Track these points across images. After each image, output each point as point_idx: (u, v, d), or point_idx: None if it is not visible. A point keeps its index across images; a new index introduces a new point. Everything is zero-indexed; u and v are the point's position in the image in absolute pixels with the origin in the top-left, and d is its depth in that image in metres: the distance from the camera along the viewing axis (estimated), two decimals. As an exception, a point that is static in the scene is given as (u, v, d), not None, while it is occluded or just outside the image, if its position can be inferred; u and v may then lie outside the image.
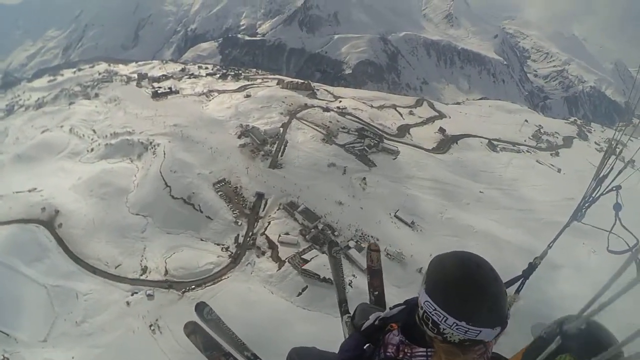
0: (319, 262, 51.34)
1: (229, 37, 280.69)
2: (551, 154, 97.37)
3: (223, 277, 51.48)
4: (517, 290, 3.49)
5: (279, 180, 66.71)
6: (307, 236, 56.87)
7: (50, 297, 48.87)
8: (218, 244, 56.51)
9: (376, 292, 5.25)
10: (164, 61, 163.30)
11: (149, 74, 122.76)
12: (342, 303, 5.19)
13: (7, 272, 50.47)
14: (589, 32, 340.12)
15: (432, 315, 2.20)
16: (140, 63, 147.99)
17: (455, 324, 2.12)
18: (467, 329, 2.10)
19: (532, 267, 3.71)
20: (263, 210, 61.46)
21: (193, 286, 50.34)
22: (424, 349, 2.41)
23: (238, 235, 57.38)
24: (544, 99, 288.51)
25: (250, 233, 57.81)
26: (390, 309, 2.97)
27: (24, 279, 50.28)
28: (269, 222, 59.45)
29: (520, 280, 3.66)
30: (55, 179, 68.61)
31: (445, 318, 2.14)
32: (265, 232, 57.69)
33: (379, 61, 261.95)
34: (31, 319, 46.29)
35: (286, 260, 52.86)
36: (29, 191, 64.82)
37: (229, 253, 54.95)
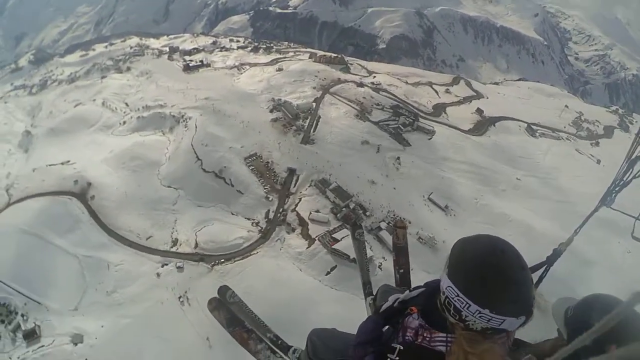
0: (349, 242, 48.64)
1: (260, 10, 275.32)
2: (591, 144, 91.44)
3: (252, 252, 50.55)
4: (540, 278, 3.23)
5: (311, 157, 64.71)
6: (338, 215, 55.02)
7: (81, 267, 49.11)
8: (248, 219, 55.45)
9: (401, 270, 5.21)
10: (195, 34, 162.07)
11: (180, 47, 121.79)
12: (366, 285, 5.16)
13: (39, 243, 51.02)
14: (633, 16, 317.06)
15: (455, 301, 2.15)
16: (171, 36, 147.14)
17: (478, 312, 2.06)
18: (490, 317, 2.05)
19: (556, 254, 3.56)
20: (294, 187, 59.89)
21: (222, 260, 49.73)
22: (444, 335, 2.30)
23: (269, 210, 56.15)
24: (585, 84, 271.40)
25: (281, 209, 56.44)
26: (410, 291, 2.87)
27: (56, 249, 50.67)
28: (300, 199, 57.87)
29: (544, 268, 3.52)
30: (88, 152, 68.80)
31: (468, 305, 2.09)
32: (296, 209, 56.17)
33: (414, 36, 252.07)
34: (63, 288, 46.64)
35: (316, 239, 51.39)
36: (62, 164, 65.16)
37: (259, 228, 53.82)
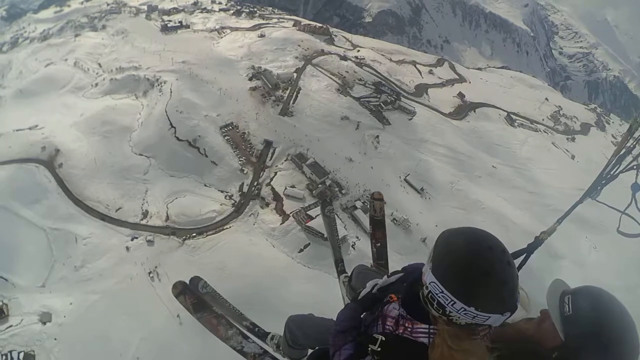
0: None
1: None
2: (567, 139, 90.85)
3: (225, 227, 49.55)
4: (520, 266, 3.08)
5: (289, 130, 62.97)
6: (314, 191, 53.97)
7: (49, 241, 47.55)
8: (222, 191, 54.22)
9: (378, 244, 5.04)
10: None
11: (159, 7, 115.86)
12: (339, 262, 5.13)
13: (5, 214, 49.00)
14: (622, 20, 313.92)
15: (438, 297, 2.06)
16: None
17: (463, 309, 1.98)
18: (475, 315, 1.97)
19: (537, 242, 3.55)
20: (270, 160, 58.40)
21: (194, 234, 48.63)
22: (426, 326, 2.29)
23: (243, 183, 54.87)
24: (566, 79, 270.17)
25: (256, 182, 55.15)
26: (388, 276, 2.89)
27: (23, 221, 48.84)
28: (276, 173, 56.68)
29: (524, 255, 3.47)
30: (57, 116, 65.83)
31: (452, 302, 2.00)
32: (271, 183, 55.05)
33: (402, 13, 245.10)
34: (30, 263, 45.14)
35: (290, 215, 50.49)
36: (30, 129, 62.22)
37: (233, 202, 52.68)
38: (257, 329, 4.34)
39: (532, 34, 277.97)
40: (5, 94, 78.82)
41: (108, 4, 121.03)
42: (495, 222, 55.82)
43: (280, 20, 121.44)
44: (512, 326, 2.51)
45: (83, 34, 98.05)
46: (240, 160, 57.30)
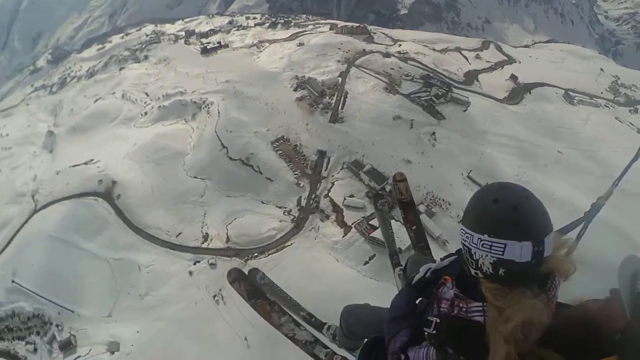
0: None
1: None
2: (630, 111, 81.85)
3: (286, 244, 47.61)
4: (579, 236, 2.95)
5: (341, 136, 60.36)
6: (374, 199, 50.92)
7: (112, 271, 47.62)
8: (280, 207, 52.31)
9: (414, 227, 4.86)
10: (211, 15, 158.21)
11: (196, 30, 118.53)
12: (393, 256, 5.01)
13: (68, 249, 49.67)
14: None
15: (464, 242, 2.17)
16: (186, 20, 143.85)
17: (479, 240, 2.06)
18: (490, 243, 2.01)
19: (595, 209, 3.48)
20: (326, 170, 55.95)
21: (256, 254, 47.03)
22: (480, 304, 2.18)
23: (300, 197, 52.78)
24: (616, 44, 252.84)
25: (313, 195, 52.89)
26: (442, 259, 2.79)
27: (86, 254, 49.26)
28: (333, 183, 54.18)
29: (583, 224, 3.31)
30: (111, 148, 66.73)
31: (471, 237, 2.11)
32: (329, 194, 52.56)
33: None
34: (95, 294, 45.39)
35: (352, 226, 47.83)
36: (85, 164, 63.26)
37: (292, 217, 50.63)
38: (313, 319, 4.26)
39: (573, 1, 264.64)
40: (60, 132, 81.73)
41: (147, 35, 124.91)
42: (568, 214, 49.51)
43: (316, 25, 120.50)
44: (578, 307, 2.19)
45: (127, 67, 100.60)
46: (295, 174, 55.35)
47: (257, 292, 3.99)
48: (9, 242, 54.41)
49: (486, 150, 61.87)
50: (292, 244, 47.53)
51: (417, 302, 2.69)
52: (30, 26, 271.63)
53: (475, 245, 2.07)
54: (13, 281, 48.42)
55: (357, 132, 61.36)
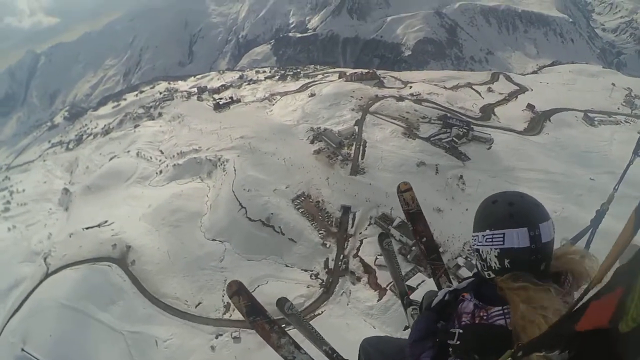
0: (426, 289, 41.79)
1: (280, 38, 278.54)
2: None
3: (317, 313, 43.63)
4: (587, 243, 3.17)
5: (365, 189, 57.51)
6: (408, 256, 46.96)
7: (128, 346, 44.36)
8: (305, 270, 49.02)
9: (424, 239, 4.45)
10: (221, 71, 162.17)
11: (208, 86, 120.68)
12: (404, 295, 4.80)
13: (81, 318, 47.16)
14: None
15: (474, 246, 2.36)
16: (198, 77, 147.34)
17: (483, 237, 2.26)
18: (492, 235, 2.20)
19: (600, 215, 3.53)
20: (352, 227, 52.80)
21: (284, 325, 42.94)
22: (500, 307, 2.20)
23: (327, 258, 49.42)
24: (618, 55, 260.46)
25: (341, 255, 49.57)
26: (459, 282, 2.86)
27: (100, 325, 46.52)
28: (361, 241, 50.77)
29: (589, 232, 3.43)
30: (126, 208, 65.13)
31: (477, 238, 2.31)
32: (358, 254, 49.21)
33: (438, 37, 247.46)
34: (110, 371, 41.88)
35: (387, 288, 43.94)
36: (99, 226, 61.53)
37: (320, 281, 47.14)
38: (335, 354, 3.97)
39: (570, 20, 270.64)
40: (75, 190, 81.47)
41: (160, 92, 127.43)
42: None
43: (325, 75, 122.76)
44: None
45: (142, 124, 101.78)
46: (320, 233, 52.29)
47: (257, 309, 3.58)
48: (19, 307, 52.22)
49: (518, 188, 57.85)
50: (322, 312, 43.75)
51: (437, 324, 2.61)
52: (48, 83, 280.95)
53: (481, 244, 2.27)
54: (23, 349, 46.15)
55: (380, 183, 58.49)
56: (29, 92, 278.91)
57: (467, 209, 53.00)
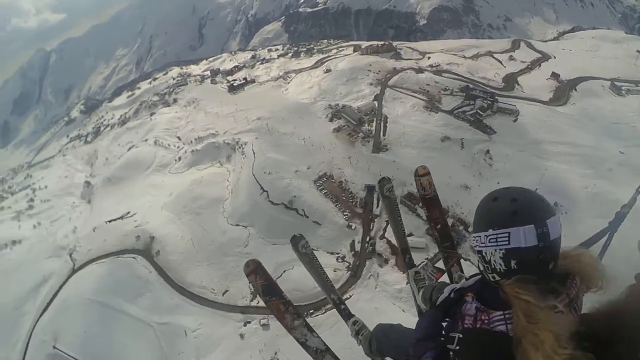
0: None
1: (291, 14, 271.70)
2: None
3: (345, 298, 42.09)
4: (605, 246, 3.88)
5: (388, 167, 55.28)
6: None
7: (157, 337, 44.43)
8: (331, 253, 47.83)
9: (439, 226, 4.33)
10: (233, 52, 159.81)
11: (221, 69, 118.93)
12: (406, 253, 4.66)
13: (110, 312, 47.19)
14: None
15: (476, 247, 2.17)
16: (210, 59, 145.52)
17: (486, 237, 2.07)
18: (496, 236, 2.02)
19: (619, 218, 4.64)
20: (378, 207, 51.00)
21: (311, 310, 42.23)
22: (501, 312, 2.10)
23: (353, 241, 48.18)
24: (639, 20, 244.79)
25: (368, 237, 48.24)
26: (467, 279, 2.68)
27: (129, 318, 46.53)
28: (387, 222, 48.83)
29: (608, 234, 4.13)
30: (147, 198, 64.84)
31: (479, 239, 2.13)
32: (385, 235, 47.77)
33: (454, 5, 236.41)
34: (139, 362, 41.89)
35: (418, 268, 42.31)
36: (122, 218, 61.39)
37: (347, 264, 45.97)
38: (343, 306, 4.13)
39: None
40: (96, 183, 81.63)
41: (174, 78, 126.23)
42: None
43: (339, 49, 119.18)
44: (603, 303, 2.08)
45: (157, 112, 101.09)
46: (344, 215, 50.86)
47: (274, 289, 3.58)
48: (48, 305, 52.64)
49: (547, 163, 55.77)
50: (351, 296, 42.64)
51: (443, 323, 2.53)
52: (61, 79, 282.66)
53: (484, 245, 2.08)
54: (54, 347, 46.47)
55: (404, 160, 56.42)
56: (43, 90, 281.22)
57: (498, 183, 50.55)
